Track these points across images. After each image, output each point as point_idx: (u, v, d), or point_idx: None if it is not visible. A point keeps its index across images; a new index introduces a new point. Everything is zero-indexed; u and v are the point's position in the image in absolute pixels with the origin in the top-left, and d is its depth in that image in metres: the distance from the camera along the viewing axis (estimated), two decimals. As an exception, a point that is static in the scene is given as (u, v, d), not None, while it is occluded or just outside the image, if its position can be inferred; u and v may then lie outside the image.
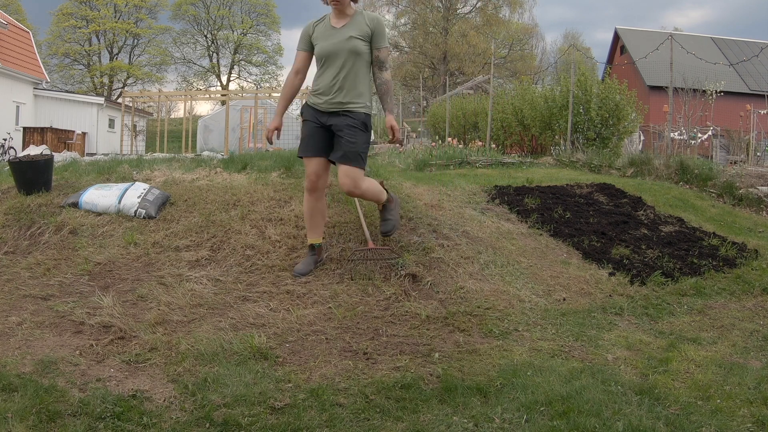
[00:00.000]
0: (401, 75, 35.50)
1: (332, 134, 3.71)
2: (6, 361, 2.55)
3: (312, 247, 3.90)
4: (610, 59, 26.41)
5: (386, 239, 4.22)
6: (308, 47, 3.76)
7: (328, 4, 3.69)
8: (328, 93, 3.65)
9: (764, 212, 6.54)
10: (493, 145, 12.21)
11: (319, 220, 3.88)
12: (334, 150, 3.70)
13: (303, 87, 4.06)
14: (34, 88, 20.93)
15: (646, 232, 5.17)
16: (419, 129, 23.17)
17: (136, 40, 39.22)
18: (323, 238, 4.00)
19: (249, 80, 42.56)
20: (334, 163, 3.76)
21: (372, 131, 3.74)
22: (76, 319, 3.05)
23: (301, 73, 3.82)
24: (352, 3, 3.72)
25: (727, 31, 60.64)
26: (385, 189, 4.11)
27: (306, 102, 3.83)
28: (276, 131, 3.82)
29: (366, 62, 3.69)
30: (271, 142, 3.83)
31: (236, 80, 42.69)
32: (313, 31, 3.75)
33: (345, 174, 3.62)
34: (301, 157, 3.82)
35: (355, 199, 4.74)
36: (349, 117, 3.65)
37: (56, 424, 2.09)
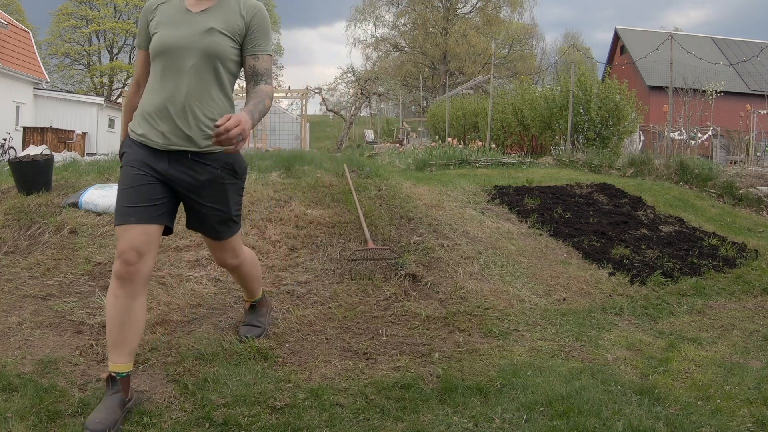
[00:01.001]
0: (401, 75, 35.52)
1: (172, 188, 2.30)
2: (6, 361, 2.55)
3: (113, 379, 2.17)
4: (610, 59, 26.42)
5: (386, 241, 4.21)
6: (148, 42, 2.34)
7: None
8: (167, 118, 2.23)
9: (764, 212, 6.54)
10: (493, 145, 12.22)
11: (132, 332, 2.21)
12: (190, 218, 2.44)
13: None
14: (34, 88, 20.95)
15: (646, 232, 5.17)
16: (419, 129, 23.20)
17: (136, 40, 39.28)
18: (135, 361, 2.35)
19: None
20: (169, 232, 2.34)
21: (248, 174, 2.48)
22: (76, 319, 3.05)
23: (142, 84, 2.39)
24: None
25: (727, 31, 60.77)
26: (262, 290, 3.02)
27: (128, 134, 2.36)
28: None
29: (232, 72, 2.35)
30: None
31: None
32: (153, 14, 2.33)
33: (218, 248, 2.54)
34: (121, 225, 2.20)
35: (356, 199, 4.74)
36: (205, 164, 2.29)
37: (56, 424, 2.09)
